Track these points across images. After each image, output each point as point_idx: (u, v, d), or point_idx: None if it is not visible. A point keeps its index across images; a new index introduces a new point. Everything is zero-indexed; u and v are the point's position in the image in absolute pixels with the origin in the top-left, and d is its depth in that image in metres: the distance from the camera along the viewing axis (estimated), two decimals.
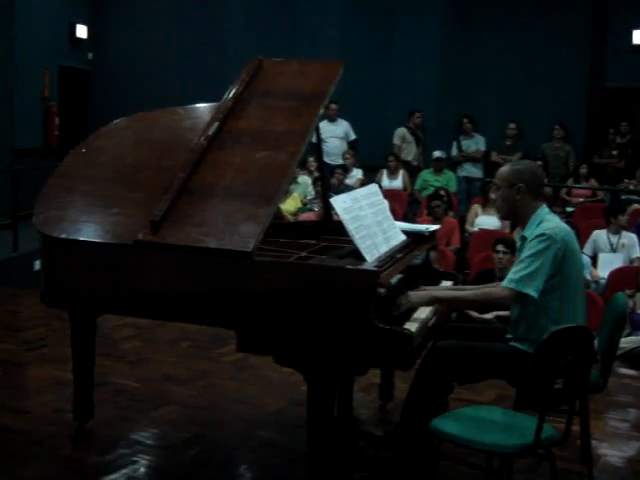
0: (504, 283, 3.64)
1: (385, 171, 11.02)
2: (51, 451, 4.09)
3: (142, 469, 3.97)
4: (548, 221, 3.68)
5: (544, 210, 3.74)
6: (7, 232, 9.86)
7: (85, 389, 4.22)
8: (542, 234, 3.58)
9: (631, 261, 7.94)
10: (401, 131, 11.72)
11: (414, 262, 4.13)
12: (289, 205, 9.46)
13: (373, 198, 4.05)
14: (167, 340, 6.06)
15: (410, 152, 11.72)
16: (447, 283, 4.39)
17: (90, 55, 14.03)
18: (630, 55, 11.49)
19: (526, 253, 3.60)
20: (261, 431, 4.43)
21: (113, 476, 3.85)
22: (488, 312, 6.20)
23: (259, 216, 3.48)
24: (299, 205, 9.73)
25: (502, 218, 4.35)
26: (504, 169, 3.83)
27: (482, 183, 10.86)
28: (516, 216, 3.85)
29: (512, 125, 11.51)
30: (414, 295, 3.66)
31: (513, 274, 3.59)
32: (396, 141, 11.69)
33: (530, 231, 3.68)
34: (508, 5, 12.08)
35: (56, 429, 4.33)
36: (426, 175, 10.97)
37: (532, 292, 3.53)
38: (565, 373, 3.07)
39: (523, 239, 3.73)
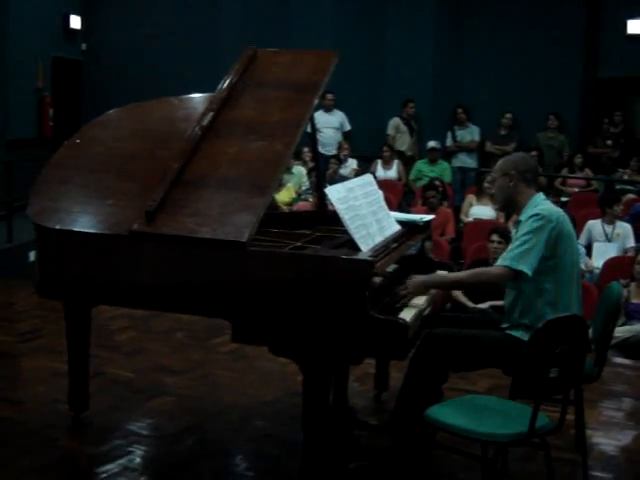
0: (498, 262, 3.68)
1: (379, 161, 11.02)
2: (47, 442, 4.09)
3: (137, 459, 3.97)
4: (543, 205, 3.72)
5: (540, 197, 3.79)
6: (2, 223, 9.84)
7: (80, 380, 4.22)
8: (537, 214, 3.62)
9: (625, 251, 7.95)
10: (395, 121, 11.70)
11: (409, 252, 4.13)
12: (284, 195, 9.45)
13: (368, 188, 4.04)
14: (162, 330, 6.06)
15: (404, 142, 11.69)
16: (442, 273, 4.39)
17: (84, 46, 13.97)
18: (624, 45, 11.46)
19: (521, 232, 3.63)
20: (257, 421, 4.44)
21: (109, 466, 3.85)
22: (484, 301, 6.21)
23: (254, 206, 3.48)
24: (294, 195, 9.73)
25: (500, 209, 4.40)
26: (499, 162, 3.95)
27: (477, 173, 10.87)
28: (512, 204, 3.87)
29: (507, 115, 11.50)
30: (411, 286, 3.69)
31: (507, 252, 3.63)
32: (390, 131, 11.67)
33: (526, 215, 3.71)
34: None
35: (52, 420, 4.33)
36: (421, 165, 10.96)
37: (526, 269, 3.53)
38: (560, 362, 3.08)
39: (519, 222, 3.76)
